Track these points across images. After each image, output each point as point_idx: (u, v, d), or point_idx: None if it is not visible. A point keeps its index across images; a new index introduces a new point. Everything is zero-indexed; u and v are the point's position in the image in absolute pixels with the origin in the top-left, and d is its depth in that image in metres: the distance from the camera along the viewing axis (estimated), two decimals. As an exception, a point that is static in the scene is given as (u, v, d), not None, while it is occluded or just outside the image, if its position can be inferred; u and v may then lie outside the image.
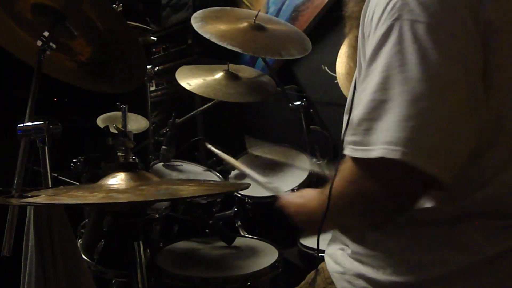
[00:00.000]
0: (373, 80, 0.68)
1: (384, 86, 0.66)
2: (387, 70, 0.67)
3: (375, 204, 0.72)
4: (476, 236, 0.70)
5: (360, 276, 0.79)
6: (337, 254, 0.87)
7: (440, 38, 0.65)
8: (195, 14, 1.82)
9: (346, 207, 0.78)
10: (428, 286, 0.72)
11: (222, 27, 1.77)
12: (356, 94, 0.78)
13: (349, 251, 0.84)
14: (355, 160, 0.71)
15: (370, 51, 0.70)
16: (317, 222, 0.82)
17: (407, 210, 0.72)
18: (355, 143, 0.70)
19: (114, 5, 2.16)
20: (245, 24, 1.81)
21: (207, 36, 1.67)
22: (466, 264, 0.70)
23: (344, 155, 0.75)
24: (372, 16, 0.72)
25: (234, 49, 1.63)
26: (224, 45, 1.63)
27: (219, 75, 1.94)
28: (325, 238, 0.91)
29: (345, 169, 0.75)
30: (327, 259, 0.91)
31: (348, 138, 0.72)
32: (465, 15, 0.66)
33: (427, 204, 0.73)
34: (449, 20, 0.66)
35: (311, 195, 0.91)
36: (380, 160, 0.65)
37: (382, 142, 0.65)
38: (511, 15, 0.70)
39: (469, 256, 0.70)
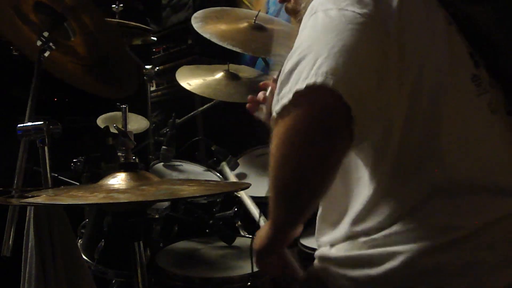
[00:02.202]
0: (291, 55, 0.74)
1: (296, 49, 0.73)
2: (299, 41, 0.74)
3: (309, 145, 0.69)
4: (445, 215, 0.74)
5: (343, 276, 0.81)
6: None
7: (348, 13, 0.72)
8: (195, 14, 1.82)
9: (292, 170, 0.73)
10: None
11: (222, 27, 1.77)
12: None
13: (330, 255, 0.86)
14: (281, 115, 0.71)
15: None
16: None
17: (336, 139, 0.70)
18: (277, 102, 0.71)
19: (114, 5, 2.16)
20: (245, 24, 1.81)
21: (207, 36, 1.67)
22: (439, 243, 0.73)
23: None
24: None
25: (234, 49, 1.63)
26: (224, 45, 1.63)
27: (219, 75, 1.94)
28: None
29: (275, 133, 0.73)
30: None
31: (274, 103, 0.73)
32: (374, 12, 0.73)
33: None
34: (355, 6, 0.73)
35: None
36: (297, 95, 0.67)
37: (299, 82, 0.68)
38: (429, 35, 0.79)
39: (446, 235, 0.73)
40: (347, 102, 0.66)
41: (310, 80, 0.66)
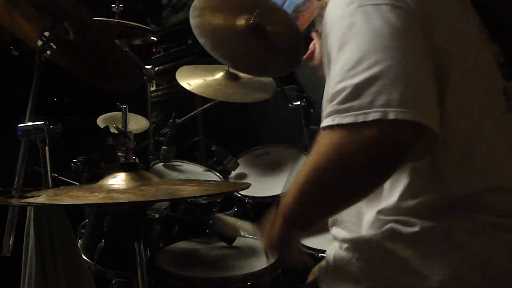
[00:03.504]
0: (348, 55, 0.70)
1: (363, 57, 0.68)
2: (362, 46, 0.68)
3: (365, 170, 0.70)
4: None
5: None
6: None
7: (403, 15, 0.70)
8: (194, 3, 1.81)
9: (330, 181, 0.73)
10: None
11: (219, 23, 1.77)
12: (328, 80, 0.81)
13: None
14: (342, 127, 0.69)
15: (338, 39, 0.72)
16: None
17: (394, 168, 0.71)
18: (342, 111, 0.68)
19: (114, 5, 2.16)
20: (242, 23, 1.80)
21: (201, 42, 1.68)
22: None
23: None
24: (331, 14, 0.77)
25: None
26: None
27: (219, 75, 1.94)
28: (325, 238, 0.91)
29: (323, 144, 0.72)
30: None
31: (330, 109, 0.70)
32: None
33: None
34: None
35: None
36: (376, 123, 0.65)
37: (377, 105, 0.65)
38: (459, 40, 0.75)
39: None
40: (427, 127, 0.66)
41: (397, 115, 0.64)
